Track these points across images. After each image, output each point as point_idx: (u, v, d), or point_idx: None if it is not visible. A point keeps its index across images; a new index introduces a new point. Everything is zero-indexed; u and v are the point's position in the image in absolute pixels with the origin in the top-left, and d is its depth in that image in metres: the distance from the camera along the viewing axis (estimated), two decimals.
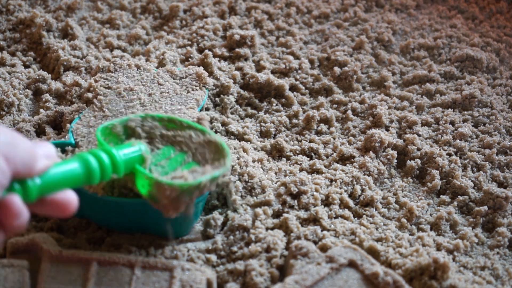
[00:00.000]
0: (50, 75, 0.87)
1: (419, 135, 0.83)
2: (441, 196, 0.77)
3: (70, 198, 0.53)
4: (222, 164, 0.63)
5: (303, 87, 0.89)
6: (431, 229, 0.73)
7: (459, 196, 0.76)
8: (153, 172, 0.62)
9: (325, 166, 0.78)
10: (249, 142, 0.80)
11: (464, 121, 0.86)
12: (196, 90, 0.78)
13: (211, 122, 0.81)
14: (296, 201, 0.72)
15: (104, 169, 0.56)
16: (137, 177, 0.61)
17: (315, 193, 0.73)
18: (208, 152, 0.66)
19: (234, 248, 0.67)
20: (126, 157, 0.59)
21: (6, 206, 0.48)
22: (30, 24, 0.94)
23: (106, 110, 0.74)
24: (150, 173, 0.61)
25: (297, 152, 0.80)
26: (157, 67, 0.85)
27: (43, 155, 0.52)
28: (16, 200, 0.48)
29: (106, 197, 0.64)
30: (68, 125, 0.76)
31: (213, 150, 0.65)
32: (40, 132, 0.79)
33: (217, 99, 0.85)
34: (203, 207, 0.70)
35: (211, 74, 0.87)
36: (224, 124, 0.82)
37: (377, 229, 0.71)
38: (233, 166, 0.73)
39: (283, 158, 0.80)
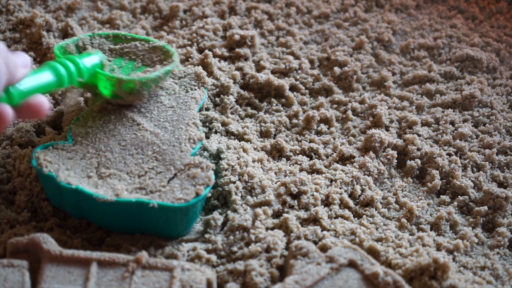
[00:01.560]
0: None
1: (419, 135, 0.83)
2: (441, 196, 0.77)
3: (42, 101, 0.61)
4: (170, 61, 0.77)
5: (303, 87, 0.89)
6: (431, 229, 0.73)
7: (459, 196, 0.76)
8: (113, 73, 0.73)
9: (325, 166, 0.78)
10: (249, 142, 0.80)
11: (464, 121, 0.86)
12: (195, 89, 0.78)
13: (211, 122, 0.81)
14: (296, 201, 0.72)
15: (71, 74, 0.67)
16: (99, 80, 0.71)
17: (315, 193, 0.73)
18: (155, 56, 0.78)
19: (234, 248, 0.67)
20: (88, 63, 0.70)
21: (0, 114, 0.57)
22: (30, 24, 0.94)
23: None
24: (111, 74, 0.71)
25: (297, 152, 0.80)
26: None
27: (22, 64, 0.61)
28: (7, 108, 0.58)
29: (104, 197, 0.64)
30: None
31: (159, 53, 0.78)
32: (40, 132, 0.79)
33: (217, 99, 0.85)
34: (202, 207, 0.70)
35: (211, 74, 0.87)
36: (224, 124, 0.82)
37: (377, 229, 0.71)
38: (233, 166, 0.73)
39: (283, 158, 0.80)
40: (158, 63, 0.77)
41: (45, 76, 0.64)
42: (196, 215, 0.68)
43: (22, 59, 0.62)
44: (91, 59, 0.72)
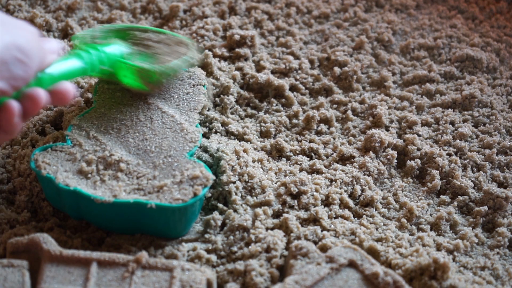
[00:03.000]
0: None
1: (419, 135, 0.83)
2: (441, 196, 0.77)
3: (68, 87, 0.63)
4: (188, 51, 0.78)
5: (303, 87, 0.89)
6: (431, 229, 0.73)
7: (459, 196, 0.76)
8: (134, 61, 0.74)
9: (325, 166, 0.78)
10: (249, 142, 0.80)
11: (464, 121, 0.86)
12: (195, 89, 0.78)
13: (211, 122, 0.81)
14: (296, 201, 0.72)
15: (94, 62, 0.68)
16: (119, 68, 0.72)
17: (315, 193, 0.73)
18: (171, 46, 0.79)
19: (234, 248, 0.67)
20: (109, 51, 0.71)
21: (33, 97, 0.59)
22: (30, 24, 0.94)
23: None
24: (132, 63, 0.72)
25: (297, 152, 0.80)
26: None
27: (50, 50, 0.63)
28: (41, 92, 0.60)
29: (102, 198, 0.64)
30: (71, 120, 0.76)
31: (174, 43, 0.79)
32: (40, 132, 0.79)
33: (217, 99, 0.85)
34: (201, 207, 0.70)
35: (211, 74, 0.87)
36: (224, 124, 0.82)
37: (377, 229, 0.71)
38: (233, 166, 0.73)
39: (283, 158, 0.80)
40: (174, 53, 0.78)
41: (72, 63, 0.65)
42: (195, 215, 0.68)
43: (50, 45, 0.64)
44: (111, 48, 0.72)
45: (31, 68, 0.58)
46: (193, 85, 0.79)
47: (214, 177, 0.67)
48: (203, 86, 0.79)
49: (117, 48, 0.73)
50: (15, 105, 0.58)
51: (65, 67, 0.64)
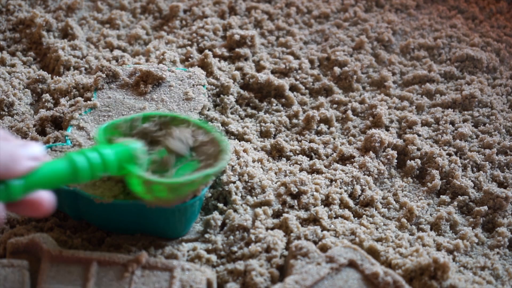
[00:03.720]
0: (50, 75, 0.87)
1: (419, 135, 0.83)
2: (441, 196, 0.77)
3: (43, 197, 0.54)
4: (219, 160, 0.64)
5: (303, 87, 0.89)
6: (431, 229, 0.73)
7: (459, 196, 0.76)
8: (143, 170, 0.62)
9: (325, 166, 0.78)
10: (249, 142, 0.80)
11: (464, 121, 0.86)
12: (192, 87, 0.78)
13: (211, 122, 0.81)
14: (296, 201, 0.72)
15: (93, 168, 0.58)
16: (130, 176, 0.61)
17: (315, 193, 0.73)
18: (210, 149, 0.66)
19: (234, 248, 0.67)
20: (118, 155, 0.60)
21: None
22: (30, 24, 0.94)
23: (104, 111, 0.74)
24: (141, 172, 0.61)
25: (297, 152, 0.80)
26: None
27: (27, 156, 0.53)
28: None
29: (101, 198, 0.63)
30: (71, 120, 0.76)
31: (213, 146, 0.66)
32: (40, 132, 0.79)
33: (217, 99, 0.85)
34: (200, 207, 0.70)
35: (211, 74, 0.87)
36: (224, 124, 0.82)
37: (377, 229, 0.71)
38: (233, 166, 0.73)
39: (283, 158, 0.80)
40: (211, 157, 0.65)
41: (58, 170, 0.55)
42: (195, 215, 0.68)
43: (30, 151, 0.54)
44: (122, 149, 0.61)
45: None
46: (193, 85, 0.79)
47: (214, 177, 0.67)
48: (203, 86, 0.79)
49: (132, 149, 0.62)
50: None
51: (47, 174, 0.54)
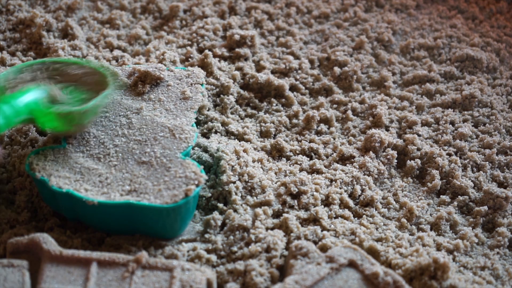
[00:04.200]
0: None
1: (419, 135, 0.83)
2: (441, 196, 0.77)
3: None
4: (108, 85, 0.73)
5: (303, 87, 0.89)
6: (431, 229, 0.73)
7: (459, 196, 0.76)
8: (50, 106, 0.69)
9: (325, 166, 0.78)
10: (249, 142, 0.80)
11: (464, 121, 0.86)
12: (192, 89, 0.78)
13: (211, 122, 0.81)
14: (296, 201, 0.72)
15: (8, 119, 0.64)
16: (39, 115, 0.68)
17: (315, 193, 0.73)
18: (90, 79, 0.75)
19: (234, 248, 0.67)
20: (26, 99, 0.67)
21: None
22: (30, 24, 0.94)
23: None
24: (54, 107, 0.68)
25: (297, 152, 0.80)
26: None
27: None
28: None
29: (94, 200, 0.63)
30: None
31: (94, 76, 0.75)
32: (40, 132, 0.79)
33: (217, 99, 0.85)
34: (196, 205, 0.70)
35: (211, 74, 0.87)
36: (224, 124, 0.82)
37: (377, 229, 0.71)
38: (233, 166, 0.73)
39: (283, 158, 0.80)
40: (95, 85, 0.74)
41: None
42: (190, 213, 0.68)
43: None
44: (27, 96, 0.68)
45: None
46: (191, 84, 0.79)
47: (206, 177, 0.67)
48: (201, 85, 0.79)
49: (32, 94, 0.69)
50: None
51: None
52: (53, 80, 0.74)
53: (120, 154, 0.69)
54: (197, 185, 0.65)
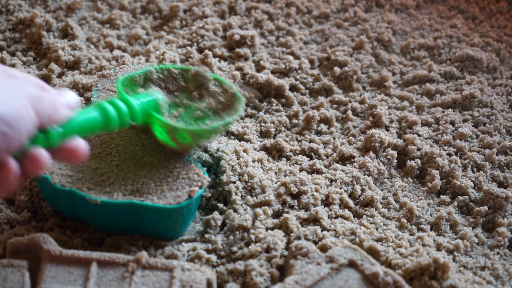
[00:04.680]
0: (50, 74, 0.87)
1: (419, 135, 0.83)
2: (441, 196, 0.77)
3: (78, 144, 0.58)
4: (235, 110, 0.70)
5: (303, 87, 0.89)
6: (431, 229, 0.73)
7: (459, 196, 0.76)
8: (170, 119, 0.68)
9: (325, 166, 0.78)
10: (249, 142, 0.80)
11: (464, 121, 0.86)
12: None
13: None
14: (296, 201, 0.72)
15: (122, 116, 0.62)
16: (154, 123, 0.66)
17: (315, 193, 0.73)
18: (224, 99, 0.71)
19: (234, 248, 0.67)
20: (143, 105, 0.65)
21: (34, 158, 0.55)
22: (30, 24, 0.94)
23: None
24: (166, 119, 0.66)
25: (297, 152, 0.80)
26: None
27: (65, 104, 0.57)
28: (43, 153, 0.55)
29: (97, 198, 0.63)
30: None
31: (228, 97, 0.71)
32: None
33: None
34: (197, 207, 0.70)
35: None
36: None
37: (377, 229, 0.71)
38: (233, 166, 0.73)
39: (283, 158, 0.80)
40: (225, 107, 0.71)
41: (91, 118, 0.59)
42: (192, 214, 0.68)
43: (67, 98, 0.58)
44: (148, 99, 0.66)
45: (15, 139, 0.52)
46: None
47: (209, 179, 0.67)
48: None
49: (154, 98, 0.67)
50: (13, 165, 0.54)
51: (82, 122, 0.58)
52: (185, 92, 0.72)
53: (123, 154, 0.69)
54: (200, 187, 0.65)
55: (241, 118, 0.85)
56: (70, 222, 0.70)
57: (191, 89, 0.73)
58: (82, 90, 0.83)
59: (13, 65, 0.89)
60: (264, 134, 0.83)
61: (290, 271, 0.62)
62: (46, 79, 0.86)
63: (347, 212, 0.72)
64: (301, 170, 0.78)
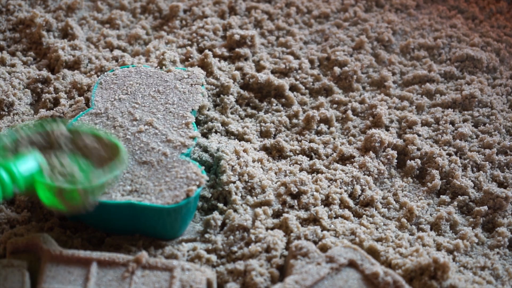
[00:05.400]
0: (50, 74, 0.87)
1: (419, 135, 0.83)
2: (441, 196, 0.77)
3: None
4: (119, 162, 0.64)
5: (303, 87, 0.89)
6: (431, 229, 0.73)
7: (459, 196, 0.76)
8: (54, 180, 0.61)
9: (325, 166, 0.78)
10: (249, 142, 0.80)
11: (464, 121, 0.86)
12: (192, 89, 0.78)
13: (211, 122, 0.81)
14: (296, 201, 0.72)
15: (4, 187, 0.58)
16: (39, 188, 0.61)
17: (315, 193, 0.73)
18: (103, 152, 0.66)
19: (234, 248, 0.67)
20: (25, 169, 0.60)
21: None
22: (30, 24, 0.94)
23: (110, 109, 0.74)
24: (51, 182, 0.60)
25: (297, 152, 0.80)
26: (156, 67, 0.85)
27: None
28: None
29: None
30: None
31: (108, 150, 0.66)
32: None
33: (217, 99, 0.85)
34: (196, 206, 0.70)
35: (211, 74, 0.87)
36: (224, 124, 0.82)
37: (377, 229, 0.71)
38: (233, 166, 0.73)
39: (283, 158, 0.80)
40: (108, 160, 0.66)
41: None
42: (191, 213, 0.68)
43: None
44: (28, 163, 0.61)
45: None
46: (191, 84, 0.79)
47: (208, 178, 0.67)
48: (201, 85, 0.79)
49: (34, 161, 0.61)
50: None
51: None
52: (62, 148, 0.66)
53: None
54: (198, 186, 0.65)
55: (241, 118, 0.85)
56: (70, 222, 0.70)
57: (69, 146, 0.66)
58: (82, 90, 0.83)
59: (13, 65, 0.89)
60: (264, 134, 0.83)
61: (290, 271, 0.62)
62: (46, 79, 0.86)
63: (347, 212, 0.72)
64: (301, 170, 0.77)
